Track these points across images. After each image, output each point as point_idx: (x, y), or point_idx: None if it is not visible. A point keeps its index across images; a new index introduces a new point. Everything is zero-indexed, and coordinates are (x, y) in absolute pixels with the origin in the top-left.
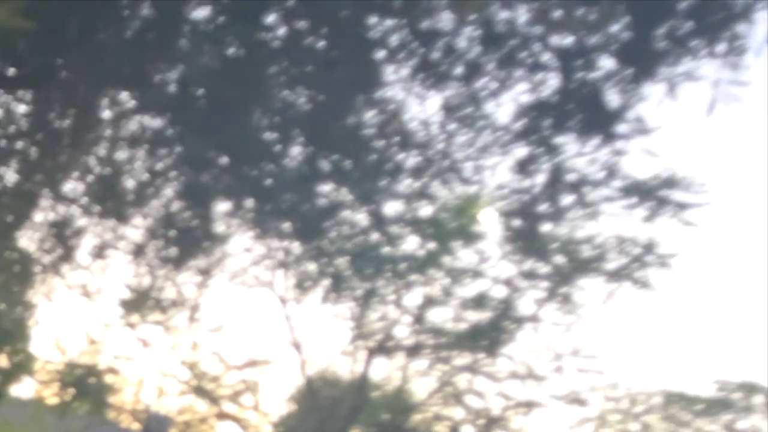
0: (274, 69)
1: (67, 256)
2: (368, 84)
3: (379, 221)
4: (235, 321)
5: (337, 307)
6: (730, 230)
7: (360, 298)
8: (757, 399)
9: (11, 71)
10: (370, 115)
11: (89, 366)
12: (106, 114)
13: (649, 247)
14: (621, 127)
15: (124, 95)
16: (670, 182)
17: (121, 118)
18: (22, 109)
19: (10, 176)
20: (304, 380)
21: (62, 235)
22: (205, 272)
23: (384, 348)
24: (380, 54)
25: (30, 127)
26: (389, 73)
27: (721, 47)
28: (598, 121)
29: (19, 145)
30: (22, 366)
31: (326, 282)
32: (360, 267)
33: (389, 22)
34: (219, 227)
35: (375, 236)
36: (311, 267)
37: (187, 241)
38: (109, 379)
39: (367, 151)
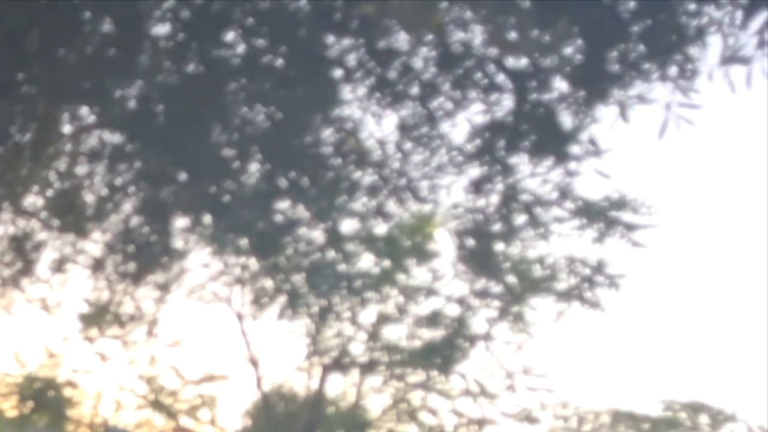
0: (232, 86)
1: (27, 269)
2: (325, 102)
3: (335, 239)
4: (193, 336)
5: (293, 323)
6: (679, 251)
7: (316, 315)
8: (703, 419)
9: None
10: (327, 133)
11: (48, 379)
12: (67, 129)
13: (598, 268)
14: (574, 149)
15: (84, 110)
16: (620, 204)
17: (81, 133)
18: None
19: None
20: (260, 396)
21: (22, 248)
22: (164, 287)
23: (339, 364)
24: (337, 73)
25: None
26: (346, 91)
27: (673, 70)
28: (551, 142)
29: None
30: None
31: (282, 298)
32: (316, 284)
33: (346, 42)
34: (177, 243)
35: (331, 253)
36: (268, 283)
37: (145, 256)
38: (67, 392)
39: (324, 169)
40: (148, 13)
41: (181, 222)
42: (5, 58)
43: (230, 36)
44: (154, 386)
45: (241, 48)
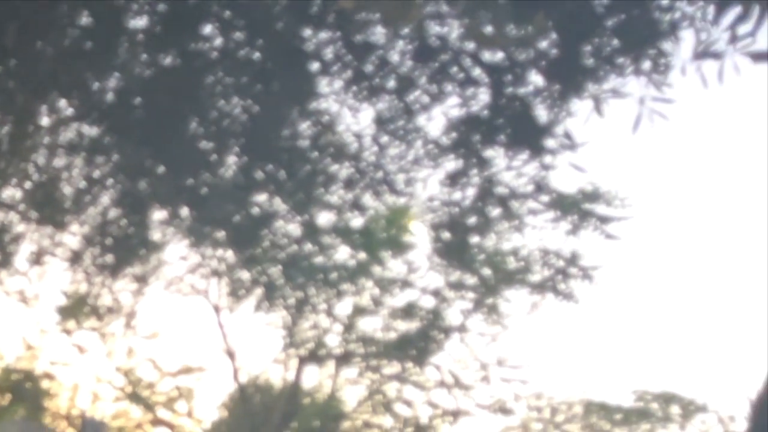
0: (210, 79)
1: (5, 262)
2: (302, 96)
3: (311, 231)
4: (170, 328)
5: (269, 315)
6: (653, 243)
7: (292, 307)
8: (674, 409)
9: None
10: (304, 127)
11: (26, 371)
12: (45, 121)
13: (572, 260)
14: (549, 142)
15: (62, 103)
16: (594, 196)
17: (60, 125)
18: None
19: None
20: (236, 387)
21: (0, 241)
22: (141, 280)
23: (315, 356)
24: (314, 66)
25: None
26: (323, 85)
27: (646, 65)
28: (526, 135)
29: None
30: None
31: (259, 290)
32: (292, 276)
33: (324, 35)
34: (155, 235)
35: (308, 246)
36: (245, 275)
37: (123, 248)
38: (45, 384)
39: (301, 162)
40: (126, 6)
41: (158, 214)
42: None
43: (207, 29)
44: (131, 378)
45: (218, 41)
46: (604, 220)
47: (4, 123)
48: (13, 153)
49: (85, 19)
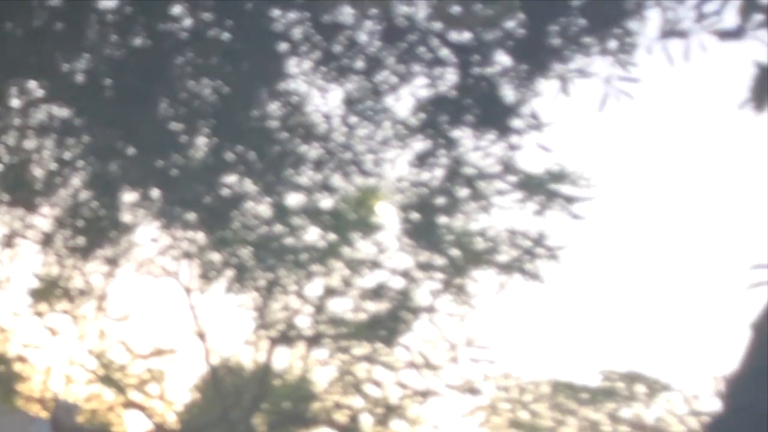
0: (180, 60)
1: None
2: (271, 76)
3: (281, 212)
4: (142, 310)
5: (240, 296)
6: (619, 222)
7: (263, 288)
8: (640, 388)
9: None
10: (273, 107)
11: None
12: (15, 103)
13: (539, 240)
14: (516, 122)
15: (32, 84)
16: (560, 176)
17: (30, 107)
18: None
19: None
20: (208, 369)
21: None
22: (112, 262)
23: (286, 337)
24: (283, 47)
25: None
26: (292, 65)
27: (612, 44)
28: (493, 116)
29: None
30: None
31: (230, 272)
32: (263, 257)
33: (292, 15)
34: (126, 217)
35: (277, 227)
36: (215, 257)
37: (94, 230)
38: (17, 367)
39: (271, 143)
40: None
41: (129, 196)
42: None
43: (177, 10)
44: (103, 361)
45: (187, 22)
46: (570, 200)
47: None
48: None
49: (54, 0)
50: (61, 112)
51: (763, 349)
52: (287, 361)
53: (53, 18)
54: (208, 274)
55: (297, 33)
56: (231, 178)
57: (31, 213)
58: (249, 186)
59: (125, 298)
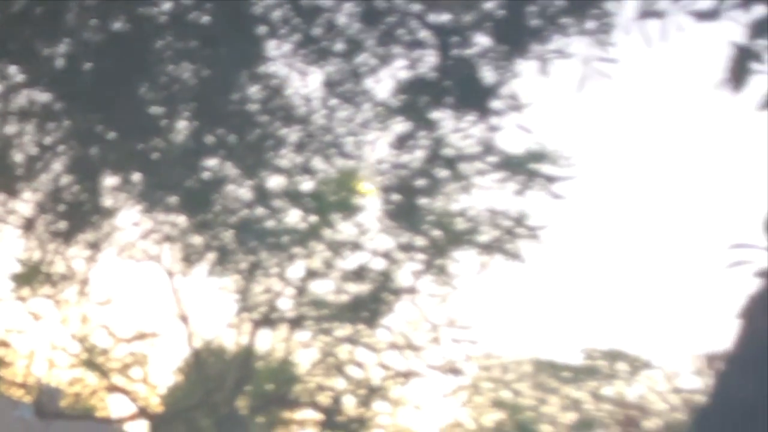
0: (159, 44)
1: None
2: (251, 59)
3: (262, 195)
4: (124, 295)
5: (222, 279)
6: (598, 201)
7: (244, 271)
8: (621, 366)
9: None
10: (253, 90)
11: None
12: None
13: (519, 220)
14: (495, 104)
15: (12, 69)
16: (540, 156)
17: (10, 92)
18: None
19: None
20: (191, 352)
21: None
22: (94, 246)
23: (268, 320)
24: (263, 30)
25: None
26: (272, 48)
27: (590, 25)
28: (473, 97)
29: None
30: None
31: (212, 255)
32: (244, 240)
33: None
34: (107, 201)
35: (259, 210)
36: (197, 240)
37: (76, 215)
38: (0, 352)
39: (251, 126)
40: None
41: (110, 180)
42: None
43: None
44: (86, 345)
45: (167, 5)
46: (550, 179)
47: None
48: None
49: None
50: (41, 96)
51: (751, 339)
52: (270, 343)
53: (32, 2)
54: (189, 258)
55: (276, 16)
56: (212, 162)
57: (12, 198)
58: (230, 169)
59: (107, 283)
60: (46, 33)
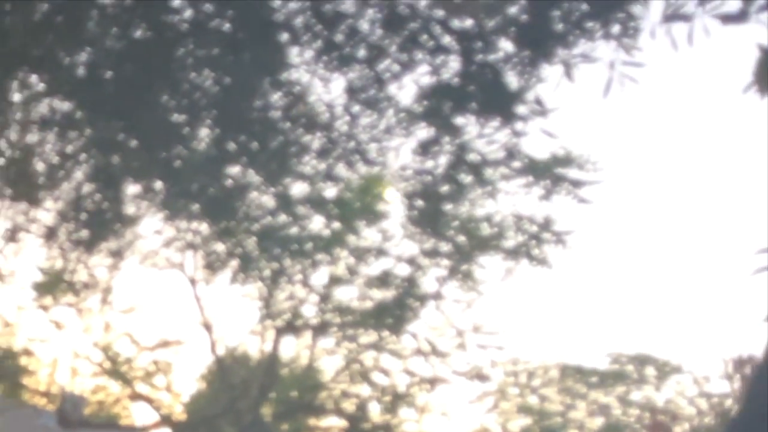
0: (181, 51)
1: None
2: (273, 66)
3: (285, 202)
4: (147, 302)
5: (245, 287)
6: (625, 206)
7: (268, 278)
8: (649, 370)
9: None
10: (275, 98)
11: (3, 349)
12: (17, 97)
13: (545, 225)
14: (520, 109)
15: (33, 78)
16: (566, 161)
17: (31, 101)
18: None
19: None
20: (214, 360)
21: None
22: (117, 254)
23: (292, 327)
24: (285, 36)
25: None
26: (294, 55)
27: (616, 29)
28: (497, 102)
29: None
30: None
31: (235, 262)
32: (267, 247)
33: (293, 5)
34: (129, 209)
35: (282, 217)
36: (220, 248)
37: (98, 223)
38: (23, 361)
39: (274, 133)
40: None
41: (132, 188)
42: None
43: (177, 1)
44: (109, 353)
45: (188, 13)
46: (576, 184)
47: None
48: None
49: None
50: (63, 105)
51: None
52: (294, 350)
53: (54, 11)
54: (212, 265)
55: (298, 22)
56: (234, 169)
57: (35, 207)
58: (252, 176)
59: (130, 291)
60: (67, 41)
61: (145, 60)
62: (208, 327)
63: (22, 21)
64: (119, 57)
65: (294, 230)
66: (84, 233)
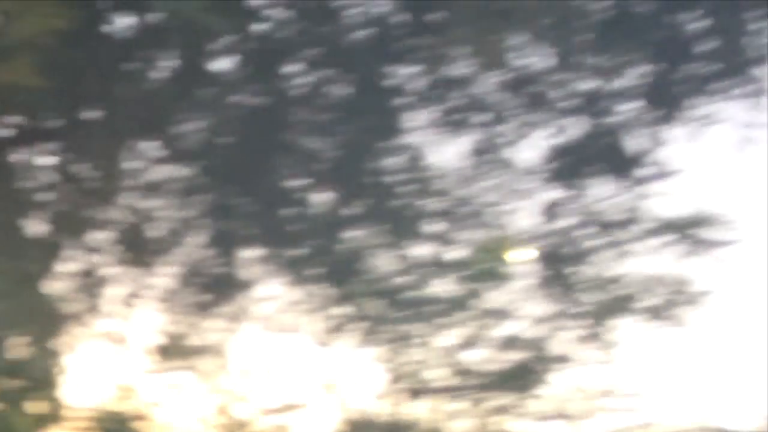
0: (297, 116)
1: (95, 304)
2: (390, 131)
3: (410, 265)
4: (267, 366)
5: (370, 349)
6: (761, 266)
7: (394, 341)
8: None
9: (31, 126)
10: (393, 161)
11: (120, 413)
12: (131, 164)
13: (680, 285)
14: (646, 170)
15: (148, 145)
16: (699, 221)
17: (147, 168)
18: (45, 161)
19: (34, 227)
20: (339, 424)
21: (90, 284)
22: (235, 318)
23: (418, 390)
24: (401, 101)
25: (55, 179)
26: (411, 119)
27: (741, 89)
28: (623, 163)
29: (44, 196)
30: (53, 415)
31: (359, 325)
32: (392, 310)
33: (410, 70)
34: (248, 273)
35: (406, 279)
36: (344, 310)
37: (216, 288)
38: (140, 425)
39: (393, 197)
40: (210, 49)
41: (251, 252)
42: (66, 97)
43: (294, 68)
44: (228, 417)
45: (305, 79)
46: (712, 244)
47: (91, 167)
48: (100, 196)
49: (168, 62)
50: (179, 171)
51: None
52: (420, 414)
53: (169, 79)
54: (336, 328)
55: (416, 87)
56: (356, 232)
57: (151, 272)
58: (373, 239)
59: (249, 354)
60: (183, 108)
61: (261, 125)
62: (331, 390)
63: (136, 88)
64: (236, 123)
65: (418, 293)
66: (202, 297)
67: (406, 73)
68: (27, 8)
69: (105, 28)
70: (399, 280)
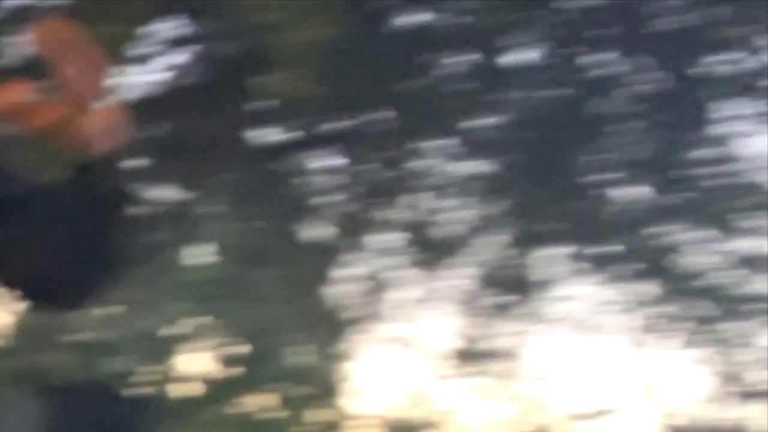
0: (604, 108)
1: (378, 309)
2: (702, 121)
3: (729, 260)
4: (574, 369)
5: (696, 351)
6: None
7: (718, 341)
8: None
9: (314, 131)
10: (706, 153)
11: (409, 420)
12: (421, 163)
13: None
14: None
15: (441, 143)
16: None
17: (438, 165)
18: (327, 165)
19: (311, 232)
20: (660, 430)
21: (373, 288)
22: (535, 319)
23: (749, 393)
24: (716, 90)
25: (338, 182)
26: (725, 109)
27: None
28: None
29: (323, 200)
30: (336, 423)
31: (684, 325)
32: (713, 308)
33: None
34: (550, 273)
35: (732, 274)
36: (666, 309)
37: (517, 288)
38: None
39: (708, 190)
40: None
41: (555, 251)
42: (350, 101)
43: (606, 56)
44: (529, 423)
45: (613, 68)
46: None
47: (381, 168)
48: (388, 198)
49: (456, 59)
50: (477, 167)
51: None
52: (750, 419)
53: (461, 76)
54: (656, 328)
55: (731, 76)
56: (673, 226)
57: (443, 274)
58: (689, 234)
59: (552, 357)
60: (479, 104)
61: (566, 118)
62: (650, 394)
63: (427, 86)
64: (539, 116)
65: (740, 290)
66: (503, 299)
67: (719, 61)
68: (303, 18)
69: (389, 28)
70: (718, 277)
